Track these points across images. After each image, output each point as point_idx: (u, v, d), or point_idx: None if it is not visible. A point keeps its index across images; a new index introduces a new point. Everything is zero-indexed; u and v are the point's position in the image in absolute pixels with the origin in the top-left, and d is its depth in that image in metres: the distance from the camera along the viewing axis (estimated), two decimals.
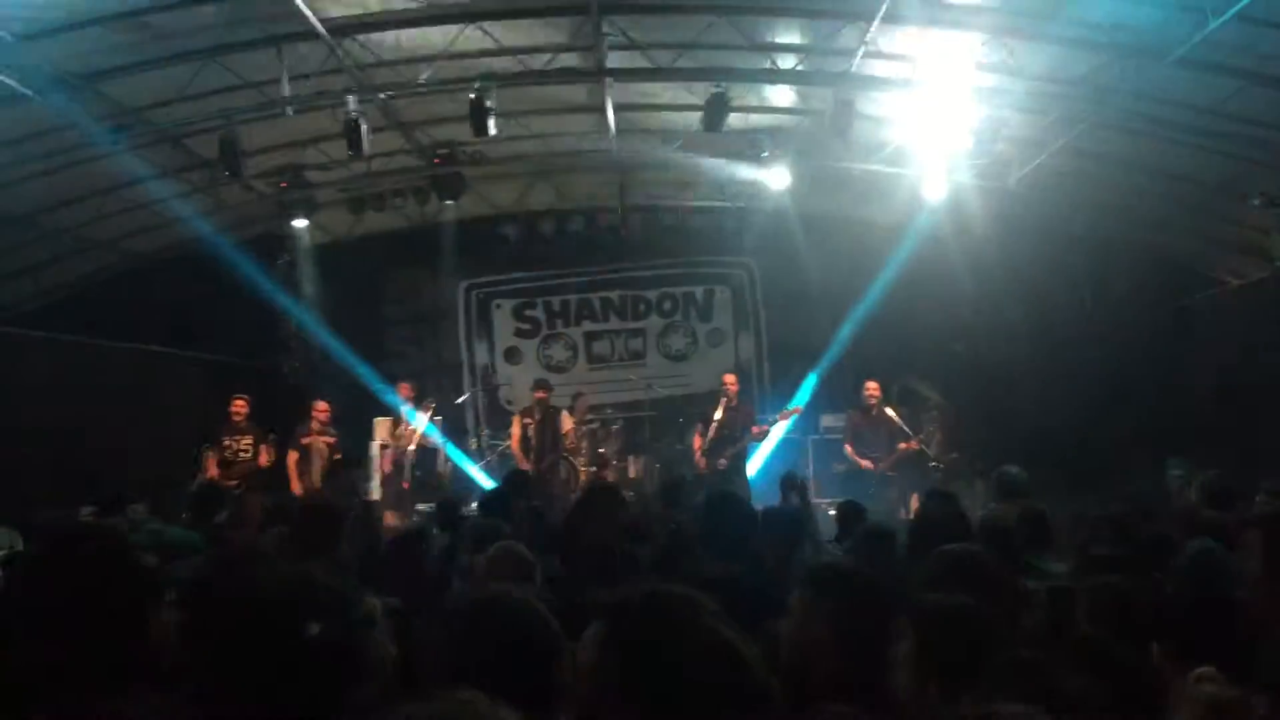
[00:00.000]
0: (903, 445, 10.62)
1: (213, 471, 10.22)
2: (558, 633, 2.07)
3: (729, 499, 5.20)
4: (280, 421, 11.25)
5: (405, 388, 12.06)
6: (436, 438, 12.27)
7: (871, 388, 10.98)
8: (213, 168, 10.86)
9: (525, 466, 11.14)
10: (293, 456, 10.93)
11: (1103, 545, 4.51)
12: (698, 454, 10.93)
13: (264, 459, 10.50)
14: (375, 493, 11.77)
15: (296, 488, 10.69)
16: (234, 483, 10.14)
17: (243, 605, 1.87)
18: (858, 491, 9.34)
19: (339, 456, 10.89)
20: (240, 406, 10.69)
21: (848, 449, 11.01)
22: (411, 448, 11.76)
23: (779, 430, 11.94)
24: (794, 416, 11.64)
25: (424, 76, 9.74)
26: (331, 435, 11.14)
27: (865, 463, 10.72)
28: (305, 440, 11.02)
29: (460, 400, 13.95)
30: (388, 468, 11.89)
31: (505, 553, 3.83)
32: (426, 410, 11.94)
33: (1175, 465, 8.74)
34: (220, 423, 10.69)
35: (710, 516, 4.85)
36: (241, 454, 10.58)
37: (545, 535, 5.57)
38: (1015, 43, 9.02)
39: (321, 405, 11.29)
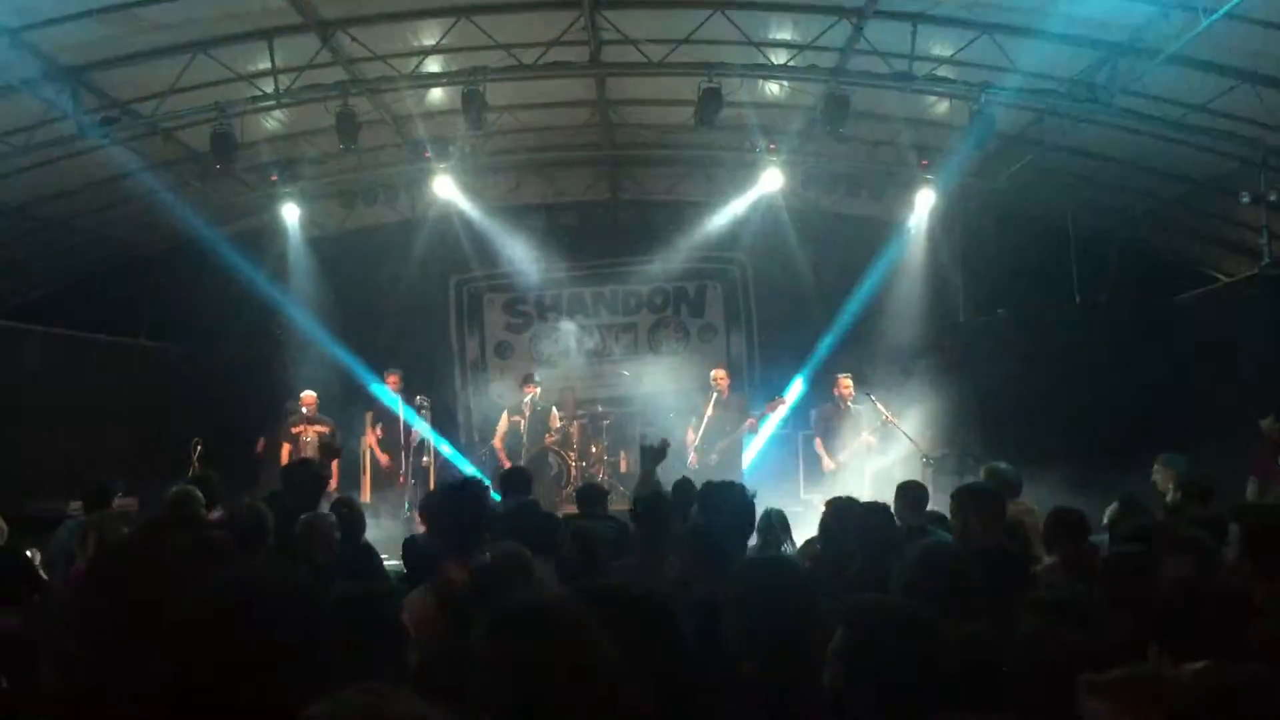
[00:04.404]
0: (865, 437, 10.66)
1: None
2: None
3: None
4: (271, 415, 11.25)
5: (393, 379, 12.06)
6: (425, 431, 12.27)
7: (844, 383, 11.01)
8: (204, 160, 10.82)
9: (507, 464, 10.83)
10: (285, 449, 10.97)
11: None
12: (690, 449, 10.93)
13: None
14: (366, 487, 11.79)
15: None
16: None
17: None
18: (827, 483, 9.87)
19: (338, 445, 10.88)
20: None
21: (818, 444, 11.04)
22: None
23: (770, 424, 11.95)
24: (782, 408, 11.65)
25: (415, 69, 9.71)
26: (324, 424, 11.20)
27: (828, 464, 10.77)
28: (296, 430, 11.05)
29: None
30: (384, 461, 11.93)
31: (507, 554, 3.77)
32: (419, 408, 12.00)
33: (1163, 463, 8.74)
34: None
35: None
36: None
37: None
38: (1007, 39, 9.03)
39: (307, 395, 11.34)
